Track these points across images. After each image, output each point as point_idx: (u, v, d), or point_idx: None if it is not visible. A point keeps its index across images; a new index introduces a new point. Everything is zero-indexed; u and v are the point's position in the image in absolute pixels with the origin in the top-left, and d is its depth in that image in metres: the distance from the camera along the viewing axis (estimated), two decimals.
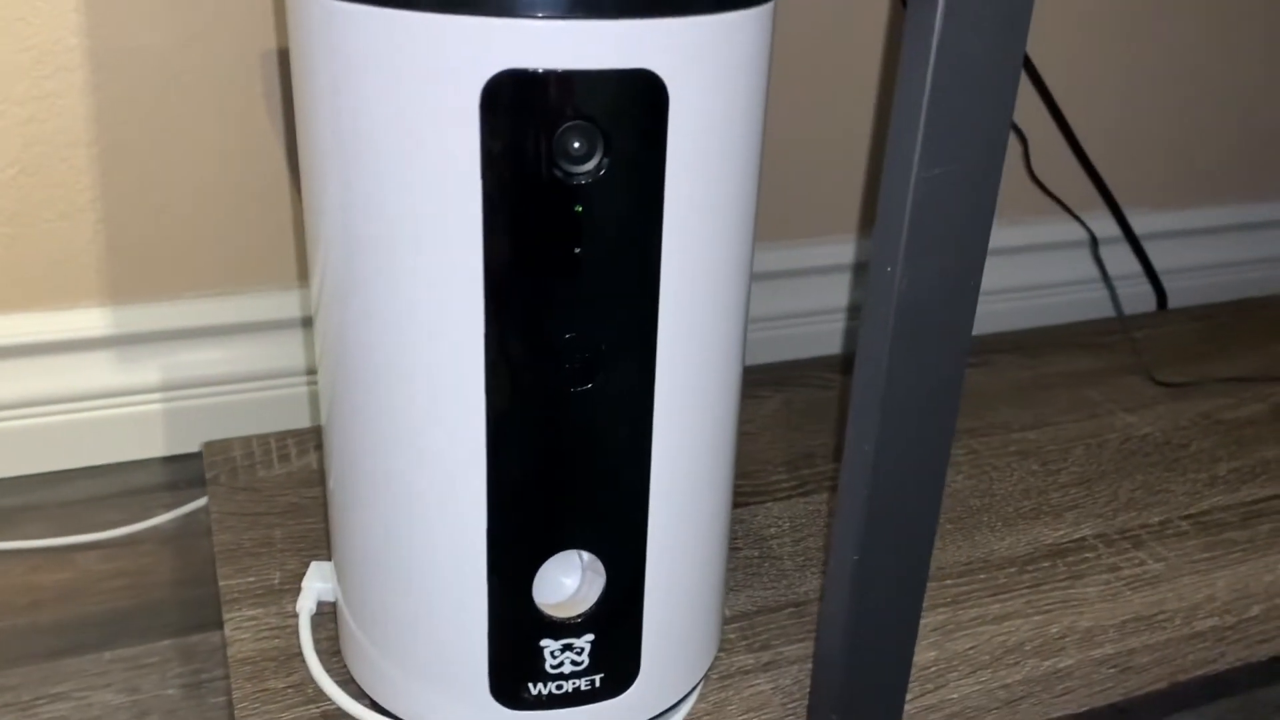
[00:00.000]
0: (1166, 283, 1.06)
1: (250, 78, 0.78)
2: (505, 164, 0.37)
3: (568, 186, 0.38)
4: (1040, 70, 0.93)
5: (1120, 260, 1.04)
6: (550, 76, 0.36)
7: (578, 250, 0.39)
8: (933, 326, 0.39)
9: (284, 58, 0.78)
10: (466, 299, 0.40)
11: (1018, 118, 0.94)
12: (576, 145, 0.37)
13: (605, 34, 0.36)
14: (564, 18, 0.35)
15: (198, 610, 0.69)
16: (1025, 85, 0.93)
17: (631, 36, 0.36)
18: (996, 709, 0.54)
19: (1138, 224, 1.03)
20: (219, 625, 0.67)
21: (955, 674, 0.55)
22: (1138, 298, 1.06)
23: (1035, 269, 1.01)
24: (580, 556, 0.45)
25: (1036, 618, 0.59)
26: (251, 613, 0.57)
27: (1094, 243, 0.99)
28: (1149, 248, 1.04)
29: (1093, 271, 1.01)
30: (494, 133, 0.37)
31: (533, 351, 0.40)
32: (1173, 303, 1.06)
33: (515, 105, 0.37)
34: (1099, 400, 0.83)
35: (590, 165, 0.38)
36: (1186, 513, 0.70)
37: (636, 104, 0.37)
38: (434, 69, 0.36)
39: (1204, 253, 1.09)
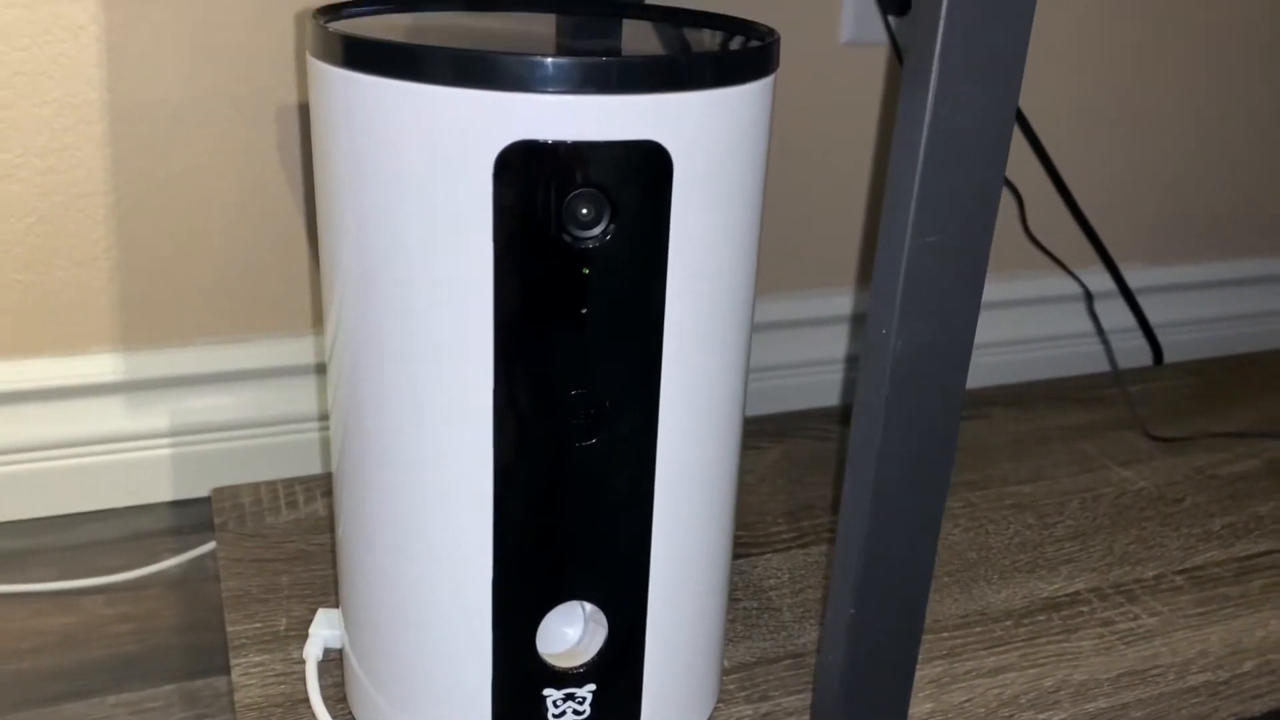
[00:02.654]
0: (1162, 337, 1.08)
1: (264, 131, 0.80)
2: (516, 228, 0.39)
3: (575, 250, 0.40)
4: (1035, 128, 0.95)
5: (1116, 315, 1.05)
6: (560, 147, 0.38)
7: (584, 310, 0.40)
8: (927, 385, 0.41)
9: (298, 112, 0.80)
10: (476, 355, 0.41)
11: (1013, 176, 0.96)
12: (584, 211, 0.39)
13: (612, 108, 0.38)
14: (574, 93, 0.37)
15: (202, 655, 0.70)
16: (1021, 143, 0.96)
17: (637, 111, 0.38)
18: None
19: (1133, 279, 1.05)
20: (223, 670, 0.68)
21: None
22: (1134, 352, 1.07)
23: (1032, 323, 1.03)
24: (583, 607, 0.47)
25: (1031, 671, 0.60)
26: (259, 658, 0.58)
27: (1089, 298, 1.01)
28: (1144, 302, 1.06)
29: (1089, 326, 1.03)
30: (506, 198, 0.39)
31: (539, 407, 0.42)
32: (1168, 357, 1.08)
33: (527, 173, 0.38)
34: (1094, 454, 0.84)
35: (597, 230, 0.39)
36: (1180, 567, 0.71)
37: (642, 173, 0.39)
38: (451, 138, 0.38)
39: (1199, 308, 1.11)
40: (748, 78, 0.40)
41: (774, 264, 0.93)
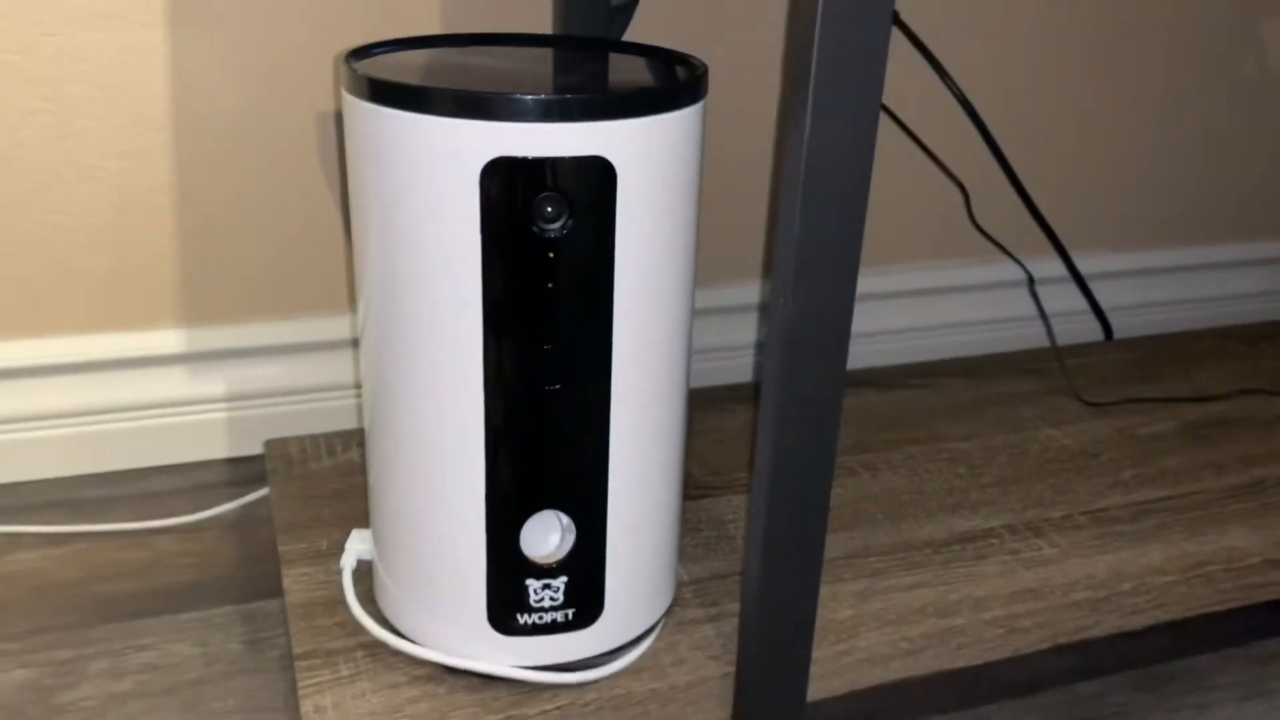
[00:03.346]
0: (1113, 319, 1.17)
1: (305, 138, 0.88)
2: (498, 221, 0.52)
3: (543, 239, 0.52)
4: (990, 122, 1.04)
5: (1069, 297, 1.15)
6: (531, 161, 0.50)
7: (550, 285, 0.53)
8: (814, 344, 0.52)
9: (334, 121, 0.88)
10: (470, 321, 0.54)
11: (968, 169, 1.06)
12: (549, 209, 0.51)
13: (570, 132, 0.50)
14: (541, 121, 0.49)
15: (255, 584, 0.80)
16: (974, 138, 1.05)
17: (587, 134, 0.50)
18: (900, 657, 0.66)
19: (1087, 264, 1.14)
20: (273, 595, 0.79)
21: (866, 628, 0.68)
22: (1085, 332, 1.17)
23: (984, 305, 1.12)
24: (558, 518, 0.59)
25: (941, 587, 0.72)
26: (305, 570, 0.70)
27: (1031, 281, 1.11)
28: (1096, 286, 1.15)
29: (1035, 308, 1.13)
30: (490, 199, 0.51)
31: (518, 359, 0.54)
32: (1118, 336, 1.17)
33: (506, 181, 0.51)
34: (1029, 417, 0.95)
35: (559, 224, 0.52)
36: (1086, 509, 0.81)
37: (593, 180, 0.51)
38: (447, 154, 0.51)
39: (1146, 291, 1.20)
40: (678, 106, 0.53)
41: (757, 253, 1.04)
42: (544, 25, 0.90)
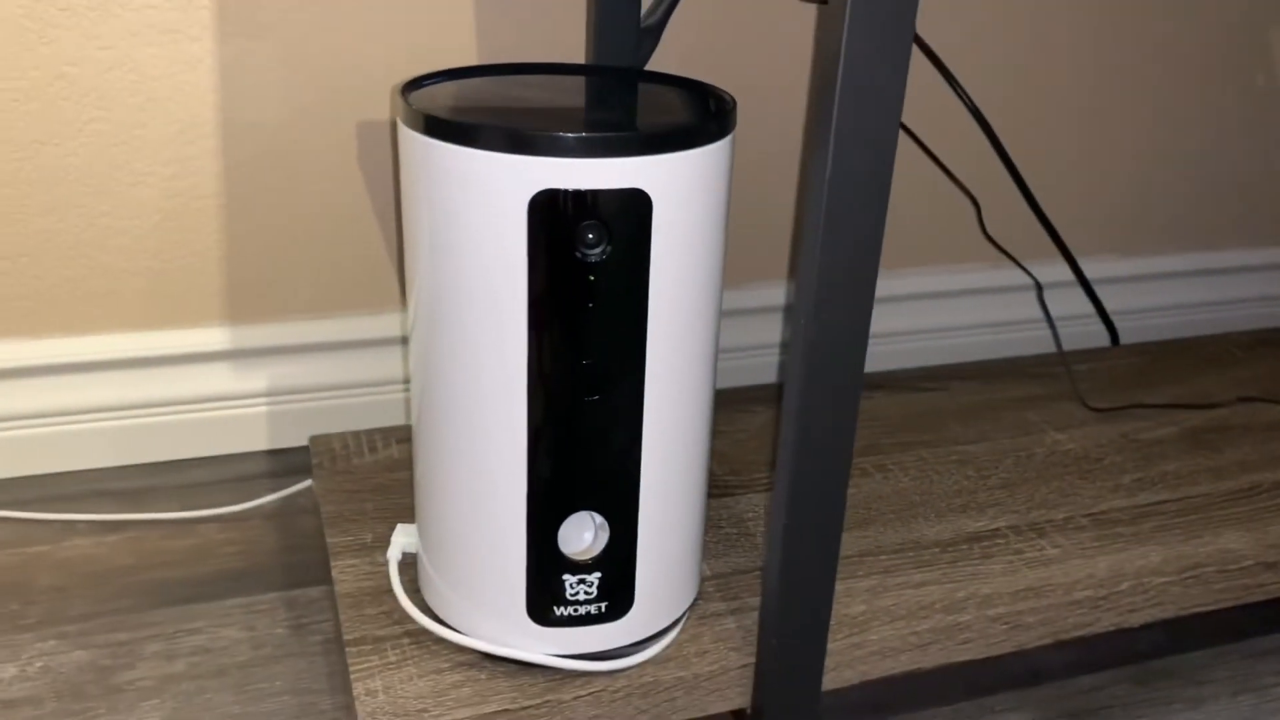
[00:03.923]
0: (1119, 322, 1.21)
1: (348, 144, 0.92)
2: (543, 247, 0.56)
3: (584, 263, 0.56)
4: (1001, 133, 1.07)
5: (1076, 302, 1.18)
6: (574, 193, 0.55)
7: (590, 304, 0.57)
8: (833, 359, 0.57)
9: (374, 129, 0.92)
10: (515, 336, 0.58)
11: (978, 179, 1.10)
12: (590, 236, 0.56)
13: (610, 167, 0.54)
14: (584, 157, 0.54)
15: (297, 571, 0.85)
16: (985, 148, 1.09)
17: (628, 168, 0.54)
18: (909, 650, 0.71)
19: (1094, 269, 1.17)
20: (315, 583, 0.83)
21: (877, 622, 0.72)
22: (1092, 335, 1.20)
23: (994, 309, 1.16)
24: (593, 518, 0.63)
25: (948, 585, 0.76)
26: (352, 561, 0.75)
27: (1039, 288, 1.14)
28: (1103, 290, 1.19)
29: (1042, 313, 1.17)
30: (536, 227, 0.55)
31: (560, 372, 0.59)
32: (1124, 341, 1.20)
33: (551, 210, 0.55)
34: (1035, 421, 0.99)
35: (599, 250, 0.56)
36: (1088, 512, 0.85)
37: (631, 210, 0.56)
38: (498, 186, 0.55)
39: (1152, 296, 1.23)
40: (707, 141, 0.57)
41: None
42: (577, 40, 0.94)
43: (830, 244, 0.53)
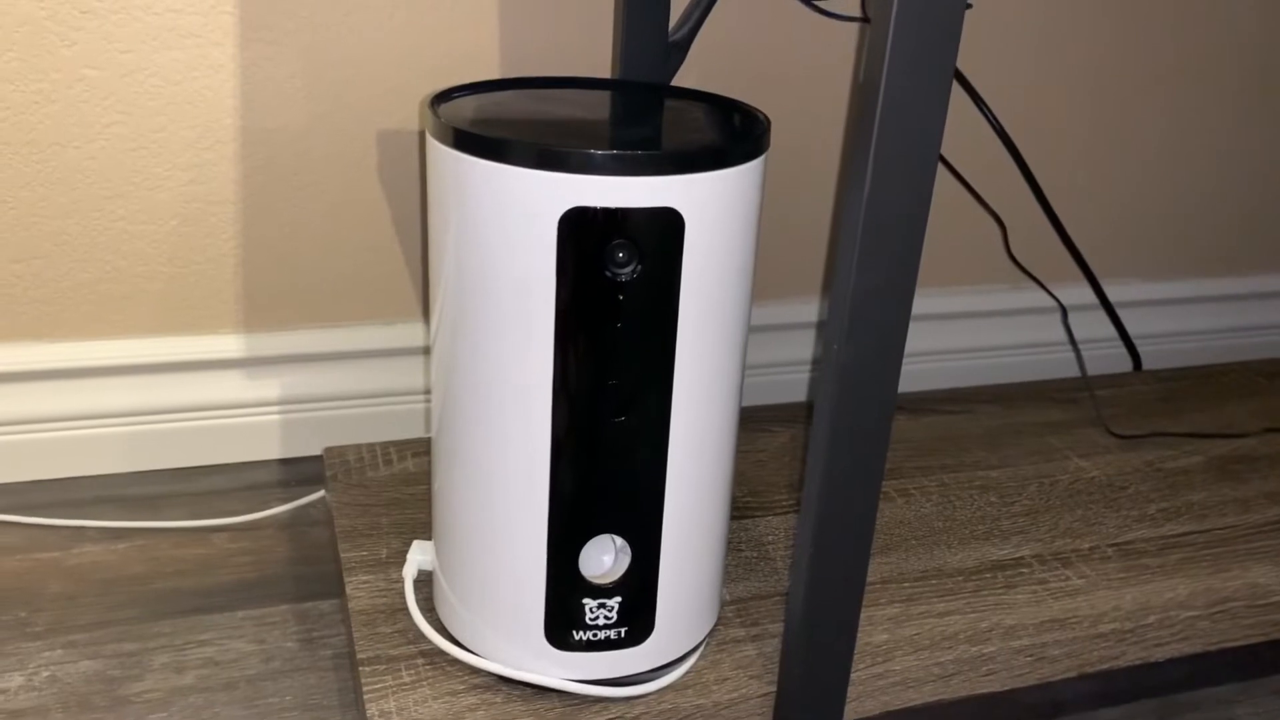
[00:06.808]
0: (1141, 347, 1.19)
1: (365, 152, 0.91)
2: (572, 266, 0.55)
3: (614, 282, 0.55)
4: (1025, 152, 1.06)
5: (1100, 325, 1.17)
6: (604, 211, 0.53)
7: (619, 325, 0.56)
8: (865, 386, 0.55)
9: (393, 138, 0.92)
10: (541, 354, 0.57)
11: (1006, 203, 1.09)
12: (621, 255, 0.54)
13: (641, 185, 0.53)
14: (617, 175, 0.52)
15: (309, 583, 0.83)
16: (1013, 173, 1.08)
17: (657, 187, 0.53)
18: (933, 681, 0.69)
19: (1116, 293, 1.16)
20: (326, 596, 0.82)
21: (900, 652, 0.71)
22: (1115, 359, 1.19)
23: (1018, 330, 1.15)
24: (614, 541, 0.62)
25: (972, 615, 0.75)
26: (366, 577, 0.74)
27: (1063, 311, 1.13)
28: (1126, 315, 1.18)
29: (1066, 336, 1.16)
30: (566, 245, 0.54)
31: (585, 391, 0.57)
32: (1146, 365, 1.20)
33: (581, 228, 0.54)
34: (1058, 447, 0.97)
35: (629, 269, 0.55)
36: (1113, 541, 0.84)
37: (662, 229, 0.54)
38: (528, 204, 0.54)
39: (1176, 321, 1.22)
40: (742, 161, 0.56)
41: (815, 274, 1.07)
42: (604, 55, 0.93)
43: (865, 266, 0.52)
